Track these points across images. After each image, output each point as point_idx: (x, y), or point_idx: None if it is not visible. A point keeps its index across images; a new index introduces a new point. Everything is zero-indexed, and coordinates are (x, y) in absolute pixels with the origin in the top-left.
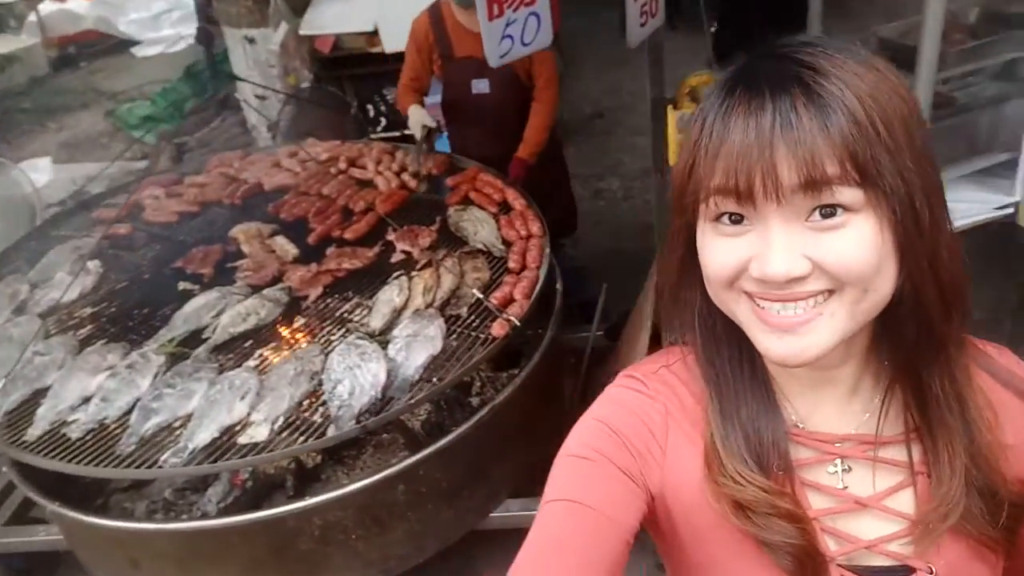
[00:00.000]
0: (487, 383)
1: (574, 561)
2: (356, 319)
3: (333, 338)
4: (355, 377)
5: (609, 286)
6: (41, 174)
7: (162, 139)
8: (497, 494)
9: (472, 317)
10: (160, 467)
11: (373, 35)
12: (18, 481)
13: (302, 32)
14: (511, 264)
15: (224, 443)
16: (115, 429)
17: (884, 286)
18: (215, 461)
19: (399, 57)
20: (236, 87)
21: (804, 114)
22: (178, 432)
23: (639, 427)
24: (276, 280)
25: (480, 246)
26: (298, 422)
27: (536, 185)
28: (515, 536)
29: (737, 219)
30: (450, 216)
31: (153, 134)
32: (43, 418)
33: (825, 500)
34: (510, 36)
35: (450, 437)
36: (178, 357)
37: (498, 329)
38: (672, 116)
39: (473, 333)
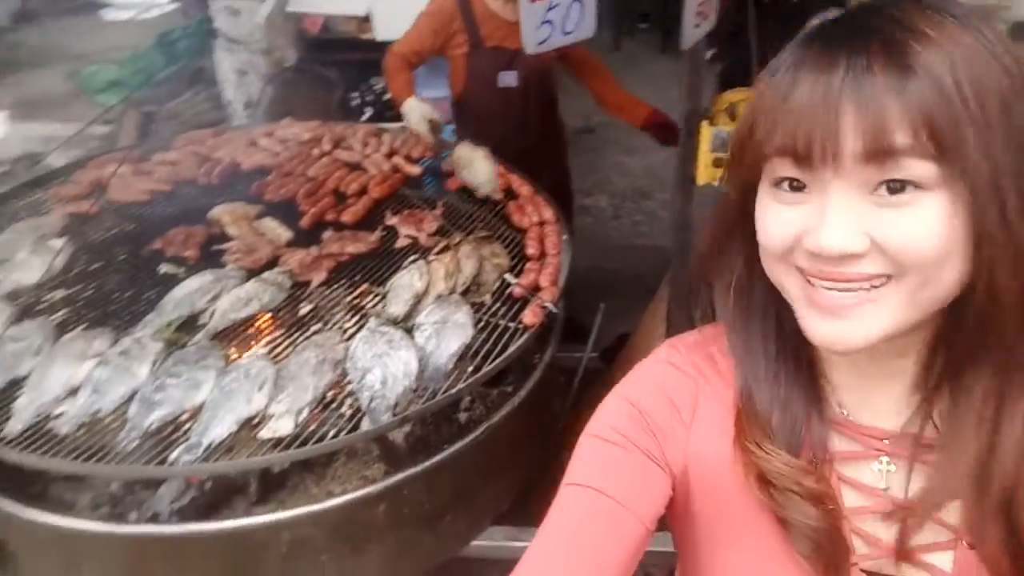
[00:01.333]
0: (477, 399)
1: (589, 555)
2: (368, 305)
3: (347, 325)
4: (385, 366)
5: (592, 305)
6: None
7: (129, 106)
8: (480, 520)
9: (497, 304)
10: (171, 465)
11: (365, 20)
12: None
13: (290, 9)
14: (529, 250)
15: (243, 438)
16: (111, 423)
17: (949, 277)
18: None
19: (390, 46)
20: (212, 60)
21: (880, 74)
22: (187, 426)
23: (664, 403)
24: (270, 264)
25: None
26: (325, 414)
27: (530, 167)
28: (496, 567)
29: (799, 186)
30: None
31: (119, 99)
32: (24, 410)
33: (861, 499)
34: (550, 22)
35: (441, 456)
36: (174, 344)
37: (531, 317)
38: (707, 132)
39: (501, 322)
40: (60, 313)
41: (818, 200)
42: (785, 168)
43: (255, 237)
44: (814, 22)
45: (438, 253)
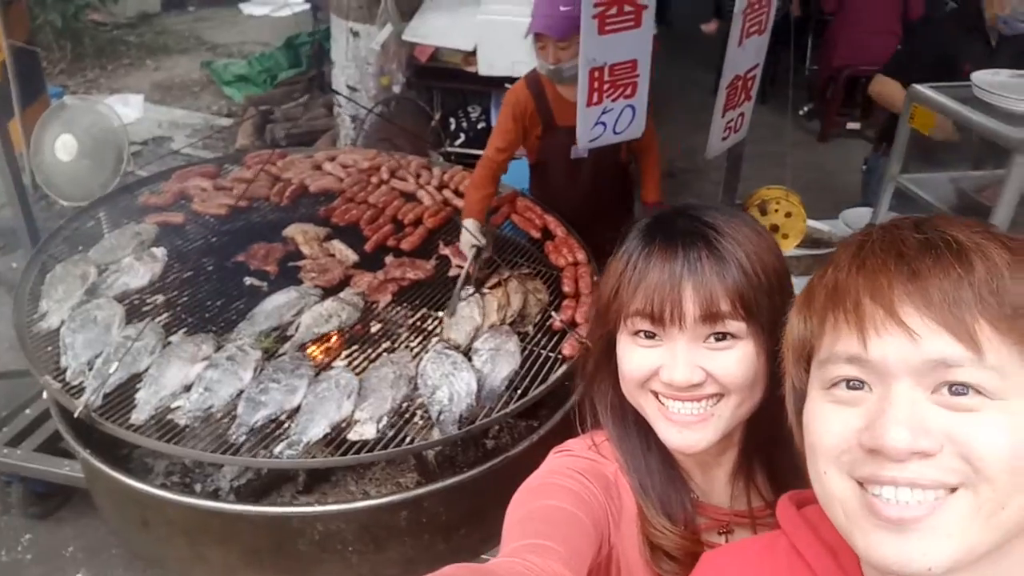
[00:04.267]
0: (504, 428)
1: (563, 521)
2: (428, 328)
3: (412, 344)
4: (451, 384)
5: None
6: (132, 110)
7: (249, 103)
8: (491, 538)
9: (539, 335)
10: (278, 458)
11: (470, 55)
12: (56, 417)
13: (405, 37)
14: (565, 288)
15: (334, 438)
16: (222, 418)
17: (756, 397)
18: (340, 453)
19: (490, 80)
20: (330, 70)
21: (707, 263)
22: (286, 425)
23: (601, 481)
24: (342, 284)
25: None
26: (401, 423)
27: (600, 228)
28: None
29: (651, 335)
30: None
31: (241, 95)
32: (147, 403)
33: None
34: (603, 123)
35: (461, 476)
36: (270, 352)
37: (569, 349)
38: None
39: (543, 352)
40: (163, 317)
41: (668, 346)
42: (643, 324)
43: (326, 257)
44: (645, 220)
45: (491, 288)
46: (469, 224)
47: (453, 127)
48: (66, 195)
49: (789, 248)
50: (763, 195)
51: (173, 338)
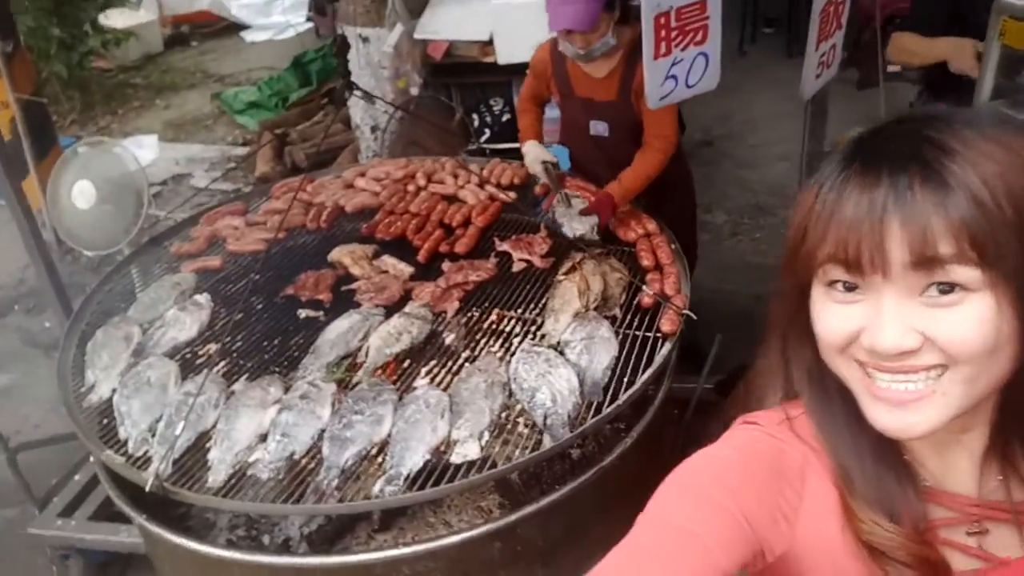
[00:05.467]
0: (589, 435)
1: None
2: (507, 330)
3: (494, 349)
4: (551, 384)
5: (705, 327)
6: (147, 151)
7: (264, 128)
8: (592, 555)
9: (629, 316)
10: (378, 498)
11: (487, 44)
12: (108, 487)
13: (416, 36)
14: (644, 262)
15: (435, 464)
16: (307, 464)
17: (1000, 366)
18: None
19: (510, 69)
20: (342, 84)
21: (919, 192)
22: (379, 460)
23: (772, 475)
24: (404, 299)
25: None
26: (504, 434)
27: (663, 215)
28: None
29: (851, 287)
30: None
31: (255, 121)
32: (221, 461)
33: (967, 561)
34: (674, 77)
35: (554, 496)
36: (344, 383)
37: (668, 325)
38: None
39: (638, 333)
40: (220, 366)
41: (871, 301)
42: (837, 272)
43: (379, 275)
44: (851, 136)
45: (566, 274)
46: (529, 146)
47: (477, 123)
48: (90, 244)
49: None
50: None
51: (236, 386)
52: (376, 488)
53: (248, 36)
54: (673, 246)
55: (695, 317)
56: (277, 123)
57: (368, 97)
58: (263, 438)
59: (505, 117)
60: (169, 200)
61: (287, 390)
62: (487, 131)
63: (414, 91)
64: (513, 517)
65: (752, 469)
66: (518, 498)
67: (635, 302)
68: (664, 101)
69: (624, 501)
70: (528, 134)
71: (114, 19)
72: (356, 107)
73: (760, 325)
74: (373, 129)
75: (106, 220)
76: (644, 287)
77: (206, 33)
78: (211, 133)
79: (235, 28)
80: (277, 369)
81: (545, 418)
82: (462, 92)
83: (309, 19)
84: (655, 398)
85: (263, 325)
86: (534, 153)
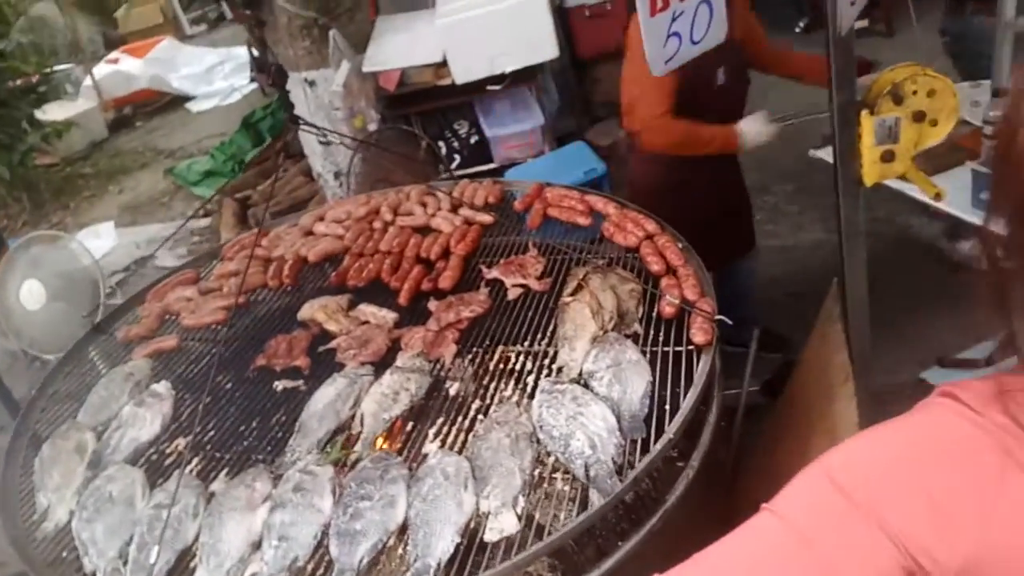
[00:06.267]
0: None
1: None
2: (517, 368)
3: (507, 393)
4: (584, 427)
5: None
6: (104, 240)
7: (223, 195)
8: None
9: (652, 332)
10: None
11: (441, 66)
12: None
13: (365, 69)
14: (653, 267)
15: (468, 546)
16: (314, 570)
17: None
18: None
19: (469, 88)
20: (296, 135)
21: None
22: (400, 552)
23: (954, 473)
24: (392, 351)
25: None
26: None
27: (724, 193)
28: None
29: None
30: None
31: (212, 190)
32: None
33: None
34: (677, 34)
35: (620, 554)
36: (342, 463)
37: (702, 335)
38: (868, 123)
39: (667, 349)
40: (194, 463)
41: None
42: None
43: (360, 327)
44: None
45: (571, 295)
46: (748, 122)
47: (445, 150)
48: (45, 347)
49: (941, 137)
50: (890, 79)
51: (215, 487)
52: None
53: (194, 106)
54: (680, 245)
55: (730, 323)
56: (236, 187)
57: (316, 130)
58: (257, 546)
59: (473, 139)
60: (136, 285)
61: (276, 482)
62: (457, 157)
63: (372, 127)
64: None
65: (927, 469)
66: (572, 560)
67: (654, 313)
68: (670, 64)
69: (685, 538)
70: (723, 132)
71: (52, 112)
72: (315, 156)
73: (783, 308)
74: (336, 175)
75: (59, 319)
76: (669, 296)
77: (150, 111)
78: (169, 211)
79: (179, 101)
80: (260, 458)
81: (587, 469)
82: (423, 121)
83: (252, 79)
84: (706, 418)
85: (236, 407)
86: (754, 130)
